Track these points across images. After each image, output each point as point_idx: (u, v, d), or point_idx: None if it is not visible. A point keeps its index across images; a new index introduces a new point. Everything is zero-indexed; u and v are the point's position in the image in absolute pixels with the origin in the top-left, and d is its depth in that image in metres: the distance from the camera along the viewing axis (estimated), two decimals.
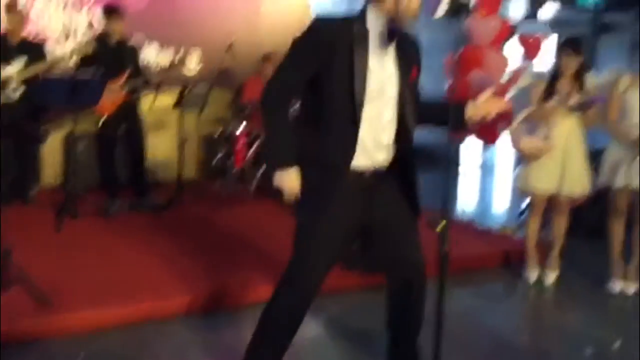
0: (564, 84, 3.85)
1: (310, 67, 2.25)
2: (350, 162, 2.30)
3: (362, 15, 2.27)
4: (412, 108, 2.36)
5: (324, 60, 2.22)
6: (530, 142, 3.82)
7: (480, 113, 2.40)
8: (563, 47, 3.85)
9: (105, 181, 5.56)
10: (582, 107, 3.73)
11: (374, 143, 2.34)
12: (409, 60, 2.34)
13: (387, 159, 2.41)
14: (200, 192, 5.88)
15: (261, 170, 5.81)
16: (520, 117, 3.92)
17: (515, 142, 3.96)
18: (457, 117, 2.37)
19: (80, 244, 4.27)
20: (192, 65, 5.53)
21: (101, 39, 5.27)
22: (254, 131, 6.13)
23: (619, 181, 3.81)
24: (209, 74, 5.78)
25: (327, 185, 2.30)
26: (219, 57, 5.75)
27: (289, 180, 2.29)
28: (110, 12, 5.22)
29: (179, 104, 5.27)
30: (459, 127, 2.38)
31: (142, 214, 5.10)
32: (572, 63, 3.79)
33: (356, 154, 2.30)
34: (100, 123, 5.30)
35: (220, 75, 6.04)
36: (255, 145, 6.01)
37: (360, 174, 2.36)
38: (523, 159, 4.05)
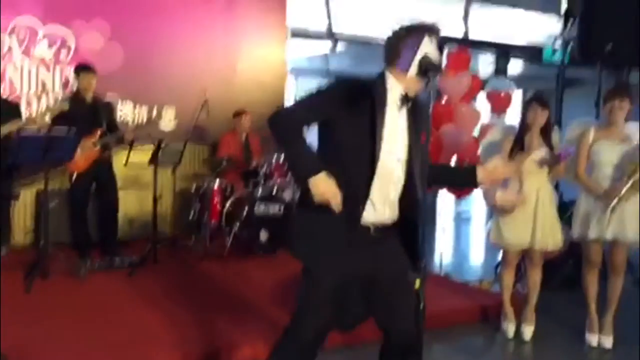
0: (532, 138, 3.93)
1: (327, 116, 2.36)
2: (360, 216, 2.37)
3: (381, 78, 2.43)
4: (420, 169, 2.44)
5: (342, 115, 2.33)
6: (503, 197, 3.85)
7: (491, 177, 2.55)
8: (530, 102, 3.94)
9: (77, 239, 5.49)
10: (551, 162, 3.81)
11: (382, 200, 2.42)
12: (419, 124, 2.46)
13: (392, 216, 2.47)
14: (175, 248, 5.81)
15: (237, 225, 5.79)
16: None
17: (489, 197, 3.98)
18: (470, 180, 2.56)
19: (52, 306, 4.15)
20: (168, 121, 5.59)
21: (76, 97, 5.30)
22: (229, 186, 6.15)
23: (591, 233, 3.85)
24: (184, 130, 5.82)
25: (335, 236, 2.36)
26: (193, 113, 5.80)
27: (326, 184, 2.25)
28: (83, 69, 5.27)
29: (153, 160, 5.26)
30: (471, 188, 2.56)
31: (116, 273, 5.00)
32: (539, 118, 3.88)
33: (366, 209, 2.38)
34: (73, 180, 5.29)
35: (195, 132, 6.08)
36: (230, 200, 6.01)
37: (366, 229, 2.41)
38: (495, 212, 4.09)
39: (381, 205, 2.42)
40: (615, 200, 3.70)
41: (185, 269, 5.13)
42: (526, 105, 3.96)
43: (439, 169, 2.73)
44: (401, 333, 2.50)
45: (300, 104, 2.43)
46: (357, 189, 2.35)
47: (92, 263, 5.09)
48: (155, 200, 5.33)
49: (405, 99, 2.41)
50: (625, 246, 3.89)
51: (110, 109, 5.49)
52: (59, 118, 5.13)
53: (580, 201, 3.97)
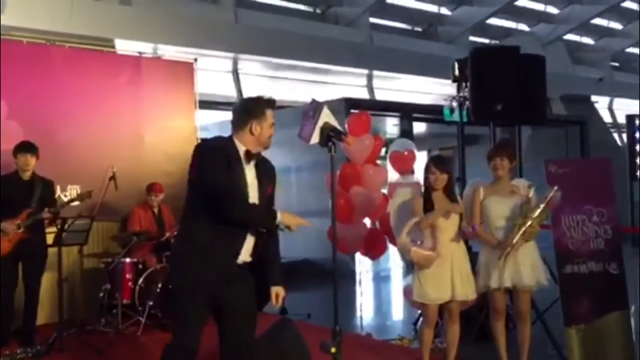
0: (438, 197, 4.10)
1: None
2: (237, 251, 2.95)
3: (231, 140, 2.98)
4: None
5: (222, 173, 2.87)
6: (419, 252, 3.98)
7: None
8: (429, 165, 4.14)
9: None
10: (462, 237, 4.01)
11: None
12: (265, 177, 3.03)
13: (248, 253, 3.00)
14: (84, 333, 5.48)
15: (150, 302, 5.58)
16: (405, 229, 4.10)
17: (405, 253, 4.11)
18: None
19: None
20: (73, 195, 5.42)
21: (12, 177, 5.18)
22: (140, 262, 5.94)
23: (493, 283, 4.03)
24: (90, 207, 5.62)
25: (208, 270, 2.91)
26: (100, 189, 5.62)
27: (287, 216, 2.97)
28: (19, 149, 5.14)
29: (57, 241, 5.02)
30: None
31: None
32: (439, 179, 4.07)
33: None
34: None
35: (102, 208, 5.88)
36: (143, 277, 5.80)
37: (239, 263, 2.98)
38: (413, 270, 4.17)
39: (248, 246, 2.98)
40: (507, 250, 3.90)
41: (94, 354, 4.82)
42: (426, 169, 4.15)
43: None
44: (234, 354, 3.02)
45: (226, 190, 2.86)
46: (235, 235, 2.91)
47: None
48: (60, 284, 5.06)
49: (248, 156, 2.92)
50: (527, 293, 4.08)
51: (49, 187, 5.33)
52: None
53: (480, 254, 4.18)
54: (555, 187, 4.01)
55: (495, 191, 4.11)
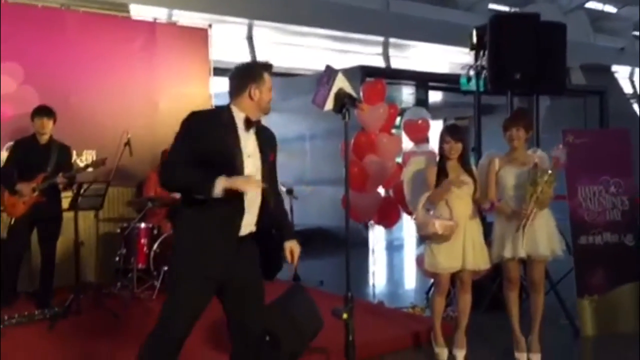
0: (452, 167, 4.07)
1: (192, 150, 2.70)
2: (238, 226, 2.74)
3: (228, 108, 2.84)
4: (270, 184, 2.87)
5: (203, 144, 2.68)
6: (443, 224, 3.95)
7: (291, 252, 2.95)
8: (443, 134, 4.10)
9: (4, 291, 5.22)
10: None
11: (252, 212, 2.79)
12: (267, 146, 2.89)
13: (250, 226, 2.83)
14: (100, 296, 5.57)
15: (165, 267, 5.65)
16: (420, 204, 4.08)
17: (425, 227, 4.05)
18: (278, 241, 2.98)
19: None
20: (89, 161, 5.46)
21: (28, 141, 5.22)
22: (155, 227, 6.00)
23: (506, 253, 4.01)
24: (106, 172, 5.65)
25: (208, 245, 2.71)
26: (115, 155, 5.65)
27: (232, 181, 2.60)
28: (36, 112, 5.17)
29: (73, 205, 5.07)
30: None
31: (37, 324, 4.75)
32: (454, 148, 4.03)
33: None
34: (10, 226, 5.08)
35: (118, 173, 5.91)
36: (158, 242, 5.86)
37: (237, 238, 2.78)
38: (427, 240, 4.15)
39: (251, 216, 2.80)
40: (523, 221, 3.87)
41: (110, 316, 4.91)
42: (440, 137, 4.11)
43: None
44: (244, 334, 2.84)
45: (170, 152, 2.76)
46: (234, 203, 2.68)
47: (10, 317, 4.81)
48: (77, 248, 5.12)
49: (248, 123, 2.79)
50: (541, 263, 4.06)
51: (65, 151, 5.36)
52: (8, 162, 5.09)
53: (495, 224, 4.14)
54: (560, 146, 3.94)
55: (510, 162, 4.05)
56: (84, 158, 6.15)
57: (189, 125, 2.74)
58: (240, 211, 2.73)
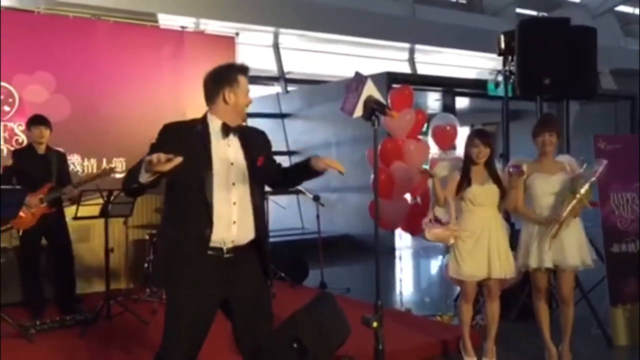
0: (477, 172, 4.03)
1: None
2: (207, 238, 2.58)
3: (204, 118, 2.74)
4: (259, 190, 2.76)
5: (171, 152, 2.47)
6: (431, 231, 3.99)
7: (324, 163, 2.73)
8: (471, 138, 4.04)
9: (28, 298, 5.32)
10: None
11: (226, 221, 2.63)
12: (255, 150, 2.75)
13: (242, 235, 2.68)
14: (130, 301, 5.64)
15: None
16: (430, 211, 4.09)
17: (424, 231, 4.10)
18: (305, 169, 2.75)
19: None
20: (119, 168, 5.50)
21: (27, 150, 5.24)
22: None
23: (532, 262, 3.94)
24: None
25: (187, 261, 2.60)
26: None
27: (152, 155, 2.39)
28: (34, 122, 5.18)
29: (104, 213, 5.14)
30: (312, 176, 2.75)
31: (67, 330, 4.82)
32: (482, 152, 3.98)
33: (213, 231, 2.59)
34: (20, 237, 5.14)
35: None
36: None
37: (218, 250, 2.63)
38: (451, 247, 4.13)
39: (226, 227, 2.62)
40: (556, 227, 3.80)
41: (140, 322, 4.96)
42: (468, 141, 4.06)
43: (283, 171, 2.91)
44: (252, 343, 2.73)
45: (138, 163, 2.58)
46: (200, 216, 2.58)
47: (42, 323, 4.89)
48: (107, 254, 5.19)
49: (225, 130, 2.68)
50: (571, 273, 3.97)
51: (62, 158, 5.40)
52: (8, 173, 5.04)
53: (522, 232, 4.08)
54: (605, 161, 3.88)
55: (540, 168, 3.98)
56: (114, 166, 6.21)
57: (159, 138, 2.67)
58: (207, 222, 2.58)
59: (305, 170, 2.76)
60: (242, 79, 2.71)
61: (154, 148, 2.54)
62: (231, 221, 2.63)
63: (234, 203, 2.65)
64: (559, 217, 3.79)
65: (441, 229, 3.95)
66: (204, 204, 2.58)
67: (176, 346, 2.64)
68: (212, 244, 2.61)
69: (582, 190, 3.72)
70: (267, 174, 2.83)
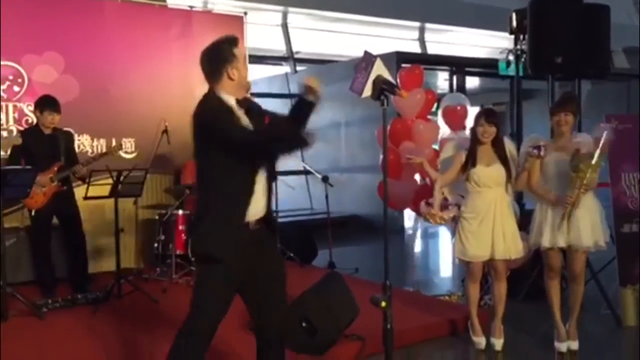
0: (484, 152, 4.01)
1: None
2: (245, 212, 2.63)
3: (214, 95, 2.73)
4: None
5: None
6: (429, 212, 4.00)
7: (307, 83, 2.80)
8: (478, 118, 4.02)
9: (40, 277, 5.39)
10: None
11: (255, 196, 2.68)
12: (258, 118, 2.81)
13: (264, 209, 2.74)
14: (140, 280, 5.69)
15: None
16: (436, 192, 4.08)
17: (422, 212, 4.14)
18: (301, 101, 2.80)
19: (11, 348, 4.00)
20: (128, 149, 5.50)
21: (34, 130, 5.24)
22: (192, 214, 6.08)
23: (545, 242, 3.93)
24: (145, 160, 5.74)
25: (231, 233, 2.63)
26: (154, 143, 5.72)
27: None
28: (45, 107, 5.16)
29: (113, 192, 5.16)
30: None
31: (79, 309, 4.88)
32: (487, 132, 3.96)
33: (250, 204, 2.65)
34: (31, 217, 5.18)
35: (156, 161, 6.01)
36: None
37: (251, 224, 2.68)
38: (456, 228, 4.13)
39: (259, 200, 2.69)
40: (568, 209, 3.78)
41: (150, 301, 5.01)
42: (475, 120, 4.03)
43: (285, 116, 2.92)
44: (269, 326, 2.77)
45: (237, 129, 2.66)
46: (242, 190, 2.64)
47: (54, 301, 4.96)
48: (117, 234, 5.23)
49: (240, 103, 2.73)
50: (583, 254, 3.96)
51: (69, 138, 5.42)
52: (16, 153, 5.04)
53: (536, 211, 4.06)
54: (601, 125, 3.81)
55: (557, 148, 3.93)
56: (125, 146, 6.23)
57: (228, 117, 2.67)
58: (247, 197, 2.65)
59: (297, 104, 2.83)
60: (237, 52, 2.74)
61: (228, 120, 2.63)
62: (259, 195, 2.69)
63: (258, 177, 2.70)
64: (569, 198, 3.76)
65: (442, 214, 3.96)
66: (245, 179, 2.64)
67: (209, 318, 2.68)
68: (246, 218, 2.65)
69: (585, 167, 3.67)
70: None
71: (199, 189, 2.79)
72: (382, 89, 2.64)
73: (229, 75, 2.71)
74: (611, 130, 3.77)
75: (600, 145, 3.70)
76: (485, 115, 4.00)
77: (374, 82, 2.63)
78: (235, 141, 2.61)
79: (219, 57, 2.73)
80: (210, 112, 2.67)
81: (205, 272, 2.72)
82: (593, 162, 3.67)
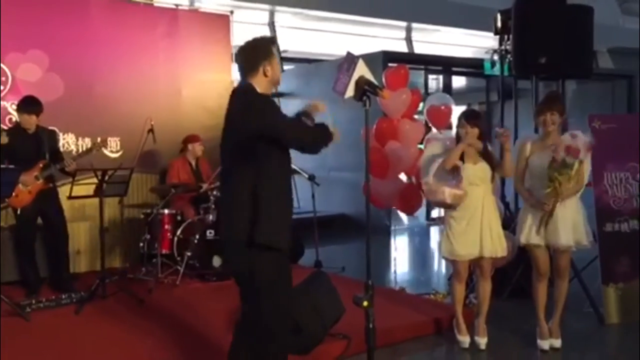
0: (468, 151, 4.03)
1: None
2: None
3: (252, 87, 2.79)
4: None
5: None
6: (452, 192, 3.94)
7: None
8: (459, 119, 4.06)
9: (24, 277, 5.35)
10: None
11: None
12: None
13: None
14: (125, 281, 5.66)
15: (189, 253, 5.71)
16: (432, 171, 4.07)
17: (434, 194, 4.03)
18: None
19: None
20: (113, 148, 5.47)
21: (18, 128, 5.21)
22: (178, 213, 6.06)
23: (533, 240, 3.97)
24: (130, 159, 5.71)
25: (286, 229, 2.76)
26: (139, 142, 5.70)
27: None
28: (24, 108, 5.12)
29: (98, 192, 5.13)
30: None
31: (63, 310, 4.84)
32: (469, 133, 3.99)
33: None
34: (17, 216, 5.15)
35: (141, 160, 5.98)
36: (181, 228, 5.93)
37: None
38: (444, 226, 4.15)
39: None
40: (545, 216, 3.84)
41: (135, 301, 4.99)
42: (458, 122, 4.08)
43: None
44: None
45: (290, 122, 2.80)
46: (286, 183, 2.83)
47: (38, 301, 4.92)
48: (102, 233, 5.20)
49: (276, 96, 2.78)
50: (566, 252, 4.01)
51: (54, 137, 5.39)
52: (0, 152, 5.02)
53: (523, 209, 4.11)
54: (582, 136, 3.82)
55: (541, 147, 3.96)
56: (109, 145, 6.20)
57: (275, 106, 2.78)
58: (290, 189, 2.84)
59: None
60: (274, 50, 2.83)
61: (277, 109, 2.75)
62: None
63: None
64: (546, 205, 3.82)
65: (459, 191, 3.93)
66: (289, 173, 2.83)
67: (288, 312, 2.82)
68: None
69: (558, 176, 3.72)
70: None
71: (241, 183, 2.72)
72: (365, 89, 2.66)
73: (265, 71, 2.79)
74: (589, 142, 3.80)
75: (580, 156, 3.74)
76: (466, 116, 4.05)
77: (357, 82, 2.64)
78: (289, 134, 2.71)
79: (258, 52, 2.80)
80: (261, 104, 2.72)
81: (276, 272, 2.74)
82: (565, 171, 3.72)
